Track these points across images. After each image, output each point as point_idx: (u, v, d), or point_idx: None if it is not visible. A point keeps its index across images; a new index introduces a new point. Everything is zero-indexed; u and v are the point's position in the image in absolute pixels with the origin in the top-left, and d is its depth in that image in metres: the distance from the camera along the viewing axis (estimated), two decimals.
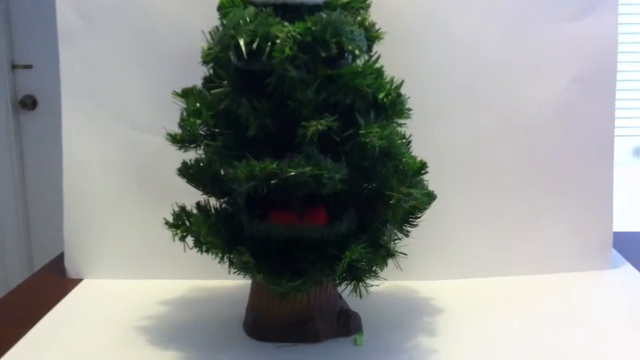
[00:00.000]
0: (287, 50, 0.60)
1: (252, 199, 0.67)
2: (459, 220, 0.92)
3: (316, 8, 0.68)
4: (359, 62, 0.66)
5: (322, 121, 0.62)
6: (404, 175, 0.69)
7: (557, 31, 0.89)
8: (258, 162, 0.62)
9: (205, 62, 0.69)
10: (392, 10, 0.84)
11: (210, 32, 0.67)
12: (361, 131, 0.64)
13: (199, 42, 0.68)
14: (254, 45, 0.60)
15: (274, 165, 0.61)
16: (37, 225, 2.19)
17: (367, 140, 0.63)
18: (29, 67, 2.11)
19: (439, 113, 0.89)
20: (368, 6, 0.72)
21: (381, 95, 0.66)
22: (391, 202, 0.67)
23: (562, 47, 0.89)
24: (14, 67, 2.11)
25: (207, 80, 0.70)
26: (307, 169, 0.61)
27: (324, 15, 0.63)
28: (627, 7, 2.06)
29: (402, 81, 0.68)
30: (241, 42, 0.61)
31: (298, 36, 0.61)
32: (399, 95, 0.68)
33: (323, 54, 0.61)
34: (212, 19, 0.70)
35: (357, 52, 0.63)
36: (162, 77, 0.87)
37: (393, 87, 0.67)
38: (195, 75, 0.72)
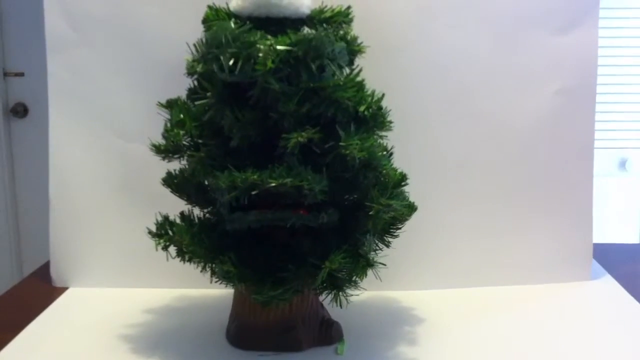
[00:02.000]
0: (269, 64, 0.61)
1: (234, 209, 0.68)
2: (440, 231, 0.93)
3: (299, 22, 0.69)
4: (341, 75, 0.67)
5: (303, 133, 0.63)
6: (384, 187, 0.70)
7: (541, 44, 0.90)
8: (240, 173, 0.63)
9: (189, 73, 0.70)
10: (376, 23, 0.85)
11: (195, 44, 0.68)
12: (342, 143, 0.65)
13: (187, 53, 0.69)
14: (238, 62, 0.61)
15: (256, 176, 0.62)
16: (28, 232, 2.19)
17: (348, 152, 0.64)
18: (20, 74, 2.12)
19: (424, 124, 0.91)
20: (351, 20, 0.73)
21: (362, 108, 0.67)
22: (371, 213, 0.68)
23: (547, 59, 0.90)
24: (5, 74, 2.11)
25: (192, 92, 0.71)
26: (288, 180, 0.62)
27: (306, 34, 0.64)
28: (620, 20, 2.08)
29: (383, 94, 0.69)
30: (222, 59, 0.62)
31: (281, 49, 0.62)
32: (380, 108, 0.69)
33: (305, 74, 0.63)
34: (197, 31, 0.71)
35: (337, 73, 0.64)
36: (150, 87, 0.88)
37: (374, 100, 0.68)
38: (184, 85, 0.72)
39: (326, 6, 0.72)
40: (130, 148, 0.90)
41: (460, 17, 0.88)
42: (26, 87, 2.12)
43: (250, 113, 0.65)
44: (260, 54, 0.62)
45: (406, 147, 0.78)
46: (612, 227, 2.00)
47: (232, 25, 0.63)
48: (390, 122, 0.70)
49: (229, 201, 0.64)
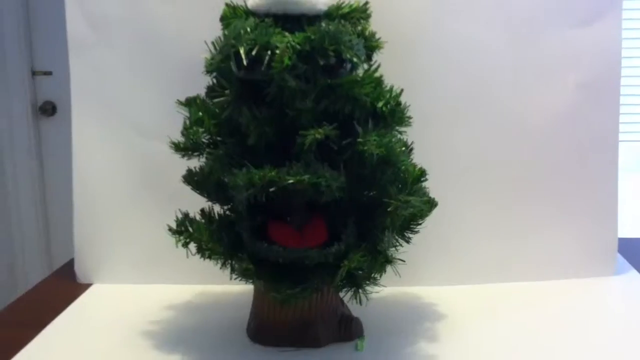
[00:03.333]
0: (286, 60, 0.61)
1: (253, 207, 0.69)
2: (462, 227, 0.93)
3: (316, 18, 0.69)
4: (359, 71, 0.67)
5: (320, 130, 0.63)
6: (403, 183, 0.70)
7: (562, 37, 0.89)
8: (257, 170, 0.63)
9: (208, 71, 0.71)
10: (394, 19, 0.84)
11: (213, 42, 0.68)
12: (359, 140, 0.65)
13: (205, 51, 0.69)
14: (254, 54, 0.61)
15: (273, 173, 0.62)
16: (57, 229, 2.22)
17: (365, 148, 0.64)
18: (48, 73, 2.15)
19: (443, 120, 0.90)
20: (368, 16, 0.73)
21: (380, 104, 0.67)
22: (389, 209, 0.67)
23: (568, 52, 0.89)
24: (34, 73, 2.15)
25: (210, 90, 0.71)
26: (305, 177, 0.62)
27: (323, 25, 0.64)
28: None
29: (402, 90, 0.68)
30: (241, 51, 0.62)
31: (297, 46, 0.62)
32: (399, 103, 0.68)
33: (321, 62, 0.62)
34: (218, 29, 0.71)
35: (355, 60, 0.64)
36: (170, 85, 0.88)
37: (392, 95, 0.68)
38: (202, 84, 0.73)
39: (344, 2, 0.71)
40: (151, 146, 0.91)
41: (479, 11, 0.87)
42: (54, 86, 2.15)
43: (268, 110, 0.66)
44: (278, 51, 0.62)
45: (425, 143, 0.77)
46: (636, 222, 1.96)
47: (251, 21, 0.64)
48: (410, 117, 0.70)
49: (246, 199, 0.64)
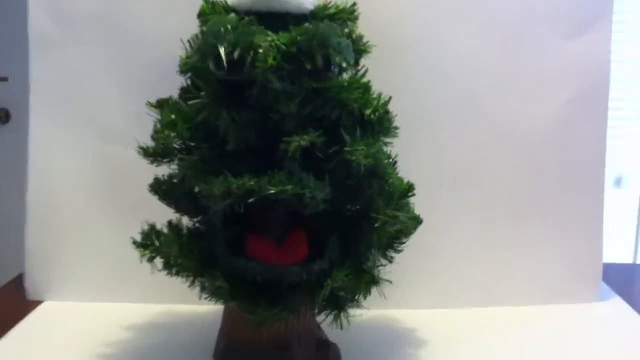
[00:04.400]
0: (270, 61, 0.57)
1: (229, 218, 0.63)
2: (445, 248, 0.89)
3: (302, 18, 0.64)
4: (346, 75, 0.63)
5: (305, 136, 0.59)
6: (390, 197, 0.65)
7: (552, 49, 0.86)
8: (236, 179, 0.58)
9: (182, 71, 0.65)
10: (382, 23, 0.81)
11: (189, 40, 0.63)
12: (347, 148, 0.60)
13: (178, 51, 0.64)
14: (235, 55, 0.57)
15: (252, 182, 0.57)
16: (7, 240, 2.13)
17: (353, 158, 0.60)
18: (4, 79, 2.07)
19: (427, 130, 0.86)
20: (356, 18, 0.69)
21: (368, 111, 0.62)
22: (376, 225, 0.63)
23: (558, 65, 0.87)
24: None
25: (184, 91, 0.66)
26: (288, 187, 0.57)
27: (311, 26, 0.59)
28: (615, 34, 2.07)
29: (390, 97, 0.64)
30: (222, 51, 0.57)
31: (282, 46, 0.57)
32: (387, 112, 0.64)
33: (308, 66, 0.58)
34: (192, 27, 0.66)
35: (344, 64, 0.59)
36: (140, 87, 0.82)
37: (380, 103, 0.64)
38: (176, 85, 0.68)
39: (330, 2, 0.67)
40: (114, 151, 0.85)
41: (469, 21, 0.85)
42: (9, 92, 2.07)
43: (248, 114, 0.60)
44: (261, 50, 0.57)
45: (408, 154, 0.72)
46: (607, 246, 1.97)
47: (232, 17, 0.59)
48: (396, 127, 0.66)
49: (222, 209, 0.59)
